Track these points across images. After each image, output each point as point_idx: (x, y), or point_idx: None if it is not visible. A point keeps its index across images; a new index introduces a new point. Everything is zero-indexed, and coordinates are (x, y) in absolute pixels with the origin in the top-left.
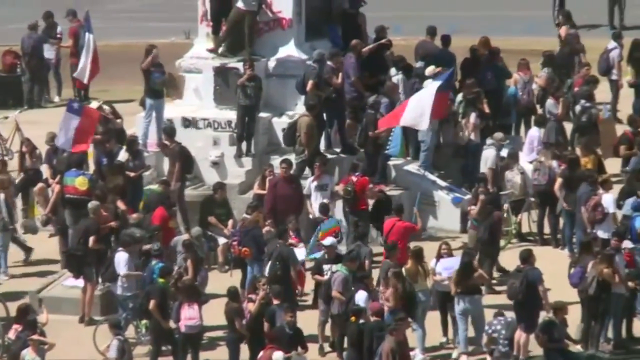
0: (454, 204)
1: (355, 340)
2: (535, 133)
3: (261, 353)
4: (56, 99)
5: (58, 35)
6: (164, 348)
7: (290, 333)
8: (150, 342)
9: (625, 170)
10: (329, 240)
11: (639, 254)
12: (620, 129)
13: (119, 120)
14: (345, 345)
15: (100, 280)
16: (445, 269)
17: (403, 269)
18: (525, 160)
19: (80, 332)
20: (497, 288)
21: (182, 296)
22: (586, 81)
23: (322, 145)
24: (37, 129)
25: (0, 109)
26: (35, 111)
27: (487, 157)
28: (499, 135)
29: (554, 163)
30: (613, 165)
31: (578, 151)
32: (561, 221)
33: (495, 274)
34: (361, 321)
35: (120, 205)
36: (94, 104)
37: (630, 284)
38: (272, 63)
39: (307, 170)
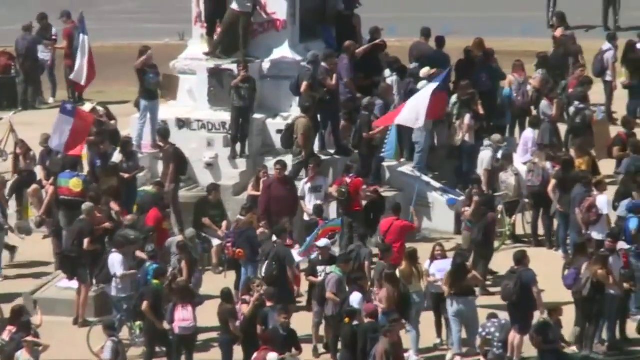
0: (449, 205)
1: (349, 341)
2: (529, 134)
3: (255, 354)
4: (50, 100)
5: (53, 37)
6: (158, 349)
7: (284, 334)
8: (144, 344)
9: (618, 172)
10: (322, 242)
11: (633, 255)
12: (615, 130)
13: (113, 122)
14: (339, 346)
15: (94, 281)
16: (439, 270)
17: (397, 271)
18: (520, 161)
19: (74, 334)
20: (491, 289)
21: (176, 297)
22: (580, 82)
23: (316, 147)
24: (31, 131)
25: None
26: (30, 112)
27: (483, 158)
28: (496, 137)
29: (548, 164)
30: (607, 167)
31: (572, 152)
32: (555, 222)
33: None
34: (355, 322)
35: (114, 206)
36: (87, 106)
37: (625, 285)
38: (266, 64)
39: (303, 172)
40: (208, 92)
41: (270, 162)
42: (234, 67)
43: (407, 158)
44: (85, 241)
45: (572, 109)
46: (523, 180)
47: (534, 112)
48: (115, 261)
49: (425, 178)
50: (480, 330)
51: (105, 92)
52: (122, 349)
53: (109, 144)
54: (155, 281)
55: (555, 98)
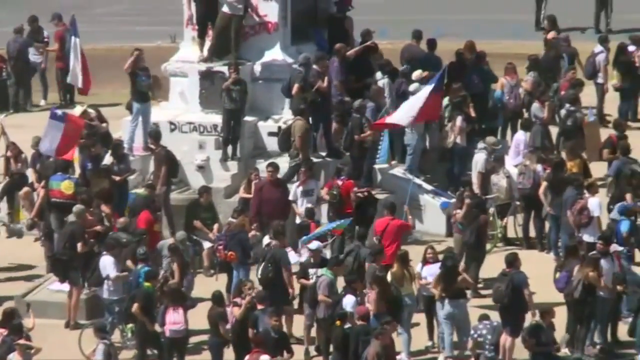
0: (442, 209)
1: (340, 344)
2: (521, 137)
3: (247, 357)
4: (42, 102)
5: (45, 39)
6: (149, 352)
7: (275, 337)
8: (136, 346)
9: (608, 175)
10: (314, 245)
11: (624, 257)
12: (606, 133)
13: (104, 124)
14: (331, 349)
15: (86, 284)
16: (431, 274)
17: (389, 273)
18: (511, 164)
19: (65, 337)
20: (483, 292)
21: (167, 300)
22: (572, 85)
23: None
24: (22, 133)
25: None
26: (21, 115)
27: (477, 161)
28: (491, 139)
29: (539, 167)
30: (598, 169)
31: (563, 155)
32: (547, 225)
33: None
34: (347, 325)
35: (105, 209)
36: (78, 108)
37: (618, 287)
38: (257, 67)
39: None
40: (199, 95)
41: (261, 165)
42: (225, 69)
43: (399, 160)
44: (79, 245)
45: (563, 112)
46: (514, 182)
47: (526, 115)
48: (107, 263)
49: (417, 180)
50: (472, 332)
51: (97, 94)
52: (114, 351)
53: (101, 147)
54: (146, 284)
55: (546, 100)
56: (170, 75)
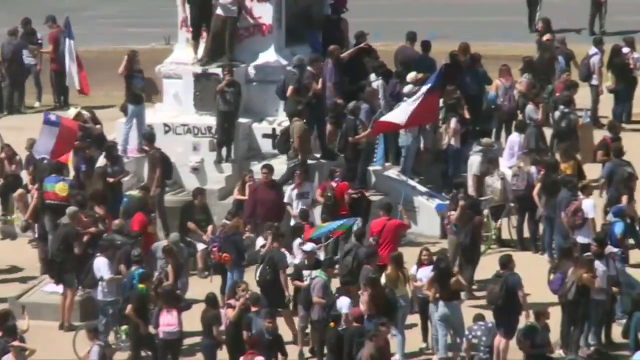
0: (438, 211)
1: (334, 345)
2: (515, 138)
3: (241, 359)
4: (36, 104)
5: (39, 41)
6: (143, 354)
7: (269, 339)
8: (130, 348)
9: (601, 177)
10: (308, 246)
11: (619, 259)
12: (601, 135)
13: (98, 126)
14: (325, 351)
15: (80, 286)
16: (426, 276)
17: (383, 275)
18: (506, 165)
19: (60, 338)
20: (477, 293)
21: (161, 302)
22: (566, 86)
23: None
24: (17, 135)
25: None
26: (15, 117)
27: (472, 163)
28: (488, 140)
29: (533, 169)
30: (592, 171)
31: (558, 157)
32: (541, 227)
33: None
34: (342, 327)
35: (98, 210)
36: (72, 110)
37: (613, 289)
38: (252, 69)
39: None
40: (194, 97)
41: (256, 166)
42: (219, 71)
43: (393, 162)
44: (76, 247)
45: (557, 113)
46: (509, 184)
47: (520, 117)
48: (101, 265)
49: (411, 182)
50: (466, 333)
51: (91, 96)
52: (109, 352)
53: (95, 149)
54: (140, 285)
55: (541, 102)
56: (164, 77)
